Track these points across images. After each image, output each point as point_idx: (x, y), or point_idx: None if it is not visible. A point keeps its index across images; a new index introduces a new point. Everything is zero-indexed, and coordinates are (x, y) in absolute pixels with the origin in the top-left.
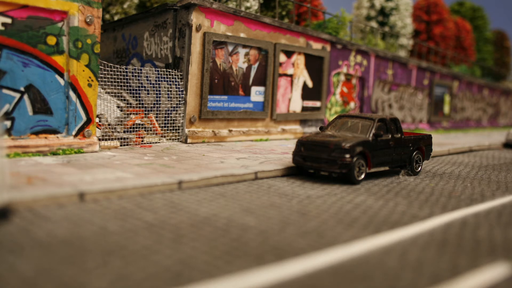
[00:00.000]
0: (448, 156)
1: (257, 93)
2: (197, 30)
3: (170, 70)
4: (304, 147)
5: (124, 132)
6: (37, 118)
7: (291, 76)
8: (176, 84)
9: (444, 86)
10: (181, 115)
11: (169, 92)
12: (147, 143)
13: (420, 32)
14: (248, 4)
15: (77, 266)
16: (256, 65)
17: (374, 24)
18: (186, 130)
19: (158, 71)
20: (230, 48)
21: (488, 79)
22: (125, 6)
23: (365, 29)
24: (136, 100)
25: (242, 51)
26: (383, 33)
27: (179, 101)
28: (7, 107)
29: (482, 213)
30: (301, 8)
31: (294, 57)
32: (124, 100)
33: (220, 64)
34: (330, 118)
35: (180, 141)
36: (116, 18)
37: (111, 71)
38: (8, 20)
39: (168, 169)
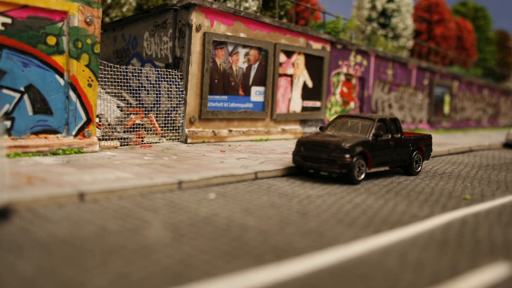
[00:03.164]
0: (448, 156)
1: (257, 93)
2: (197, 30)
3: (170, 70)
4: (304, 147)
5: (124, 132)
6: (37, 118)
7: (291, 76)
8: (176, 84)
9: (444, 86)
10: (181, 115)
11: (169, 92)
12: (147, 143)
13: (421, 32)
14: (247, 5)
15: (77, 266)
16: (256, 65)
17: (375, 25)
18: (186, 130)
19: (158, 71)
20: (230, 48)
21: (489, 80)
22: (124, 9)
23: (366, 30)
24: (136, 100)
25: (242, 51)
26: (385, 35)
27: (179, 101)
28: (7, 107)
29: (482, 213)
30: (299, 7)
31: (294, 57)
32: (124, 100)
33: (220, 64)
34: (330, 118)
35: (180, 141)
36: None
37: (111, 71)
38: (8, 20)
39: (168, 169)
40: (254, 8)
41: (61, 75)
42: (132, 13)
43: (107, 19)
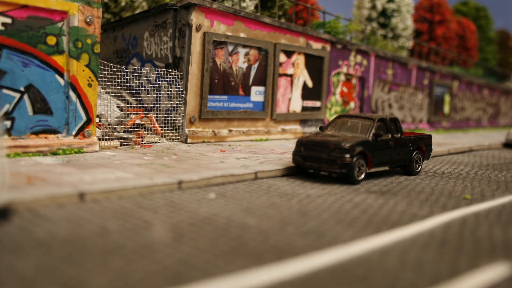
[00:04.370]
0: (448, 156)
1: (257, 93)
2: (197, 30)
3: (170, 70)
4: (304, 147)
5: (124, 132)
6: (37, 118)
7: (291, 76)
8: (176, 84)
9: (444, 86)
10: (181, 115)
11: (169, 92)
12: (147, 143)
13: (422, 32)
14: (244, 4)
15: (77, 266)
16: (256, 65)
17: (375, 25)
18: (186, 130)
19: (158, 71)
20: (230, 48)
21: (490, 80)
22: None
23: (366, 30)
24: (136, 100)
25: (242, 51)
26: (384, 36)
27: (179, 101)
28: (7, 107)
29: (482, 212)
30: (298, 7)
31: (294, 57)
32: (124, 100)
33: (220, 64)
34: (330, 118)
35: (180, 141)
36: None
37: (111, 71)
38: (8, 20)
39: (168, 169)
40: (252, 8)
41: (61, 75)
42: None
43: None
